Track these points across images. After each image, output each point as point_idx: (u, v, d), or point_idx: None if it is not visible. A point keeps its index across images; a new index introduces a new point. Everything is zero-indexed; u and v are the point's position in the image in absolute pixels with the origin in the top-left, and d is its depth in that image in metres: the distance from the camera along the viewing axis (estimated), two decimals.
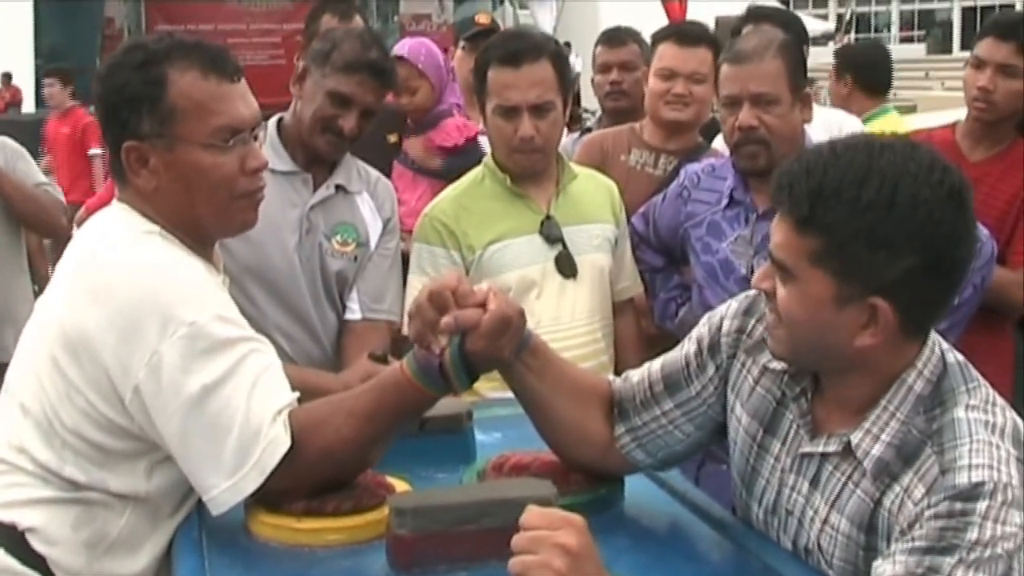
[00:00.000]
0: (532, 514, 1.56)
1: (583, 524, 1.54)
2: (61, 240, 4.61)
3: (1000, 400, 1.75)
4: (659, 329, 3.47)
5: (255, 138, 2.16)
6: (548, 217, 3.14)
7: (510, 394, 2.10)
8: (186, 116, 2.07)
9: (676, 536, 2.06)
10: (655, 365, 2.08)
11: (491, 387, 2.74)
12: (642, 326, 3.48)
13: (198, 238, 2.14)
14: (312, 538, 1.94)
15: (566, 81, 3.12)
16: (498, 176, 3.15)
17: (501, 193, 3.15)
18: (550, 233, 3.13)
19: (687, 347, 2.05)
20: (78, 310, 2.00)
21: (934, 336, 1.78)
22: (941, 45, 43.53)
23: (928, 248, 1.66)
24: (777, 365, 1.89)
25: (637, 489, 2.14)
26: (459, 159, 4.03)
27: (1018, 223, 3.44)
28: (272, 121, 3.05)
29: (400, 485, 2.10)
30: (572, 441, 2.08)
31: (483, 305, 1.91)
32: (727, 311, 2.01)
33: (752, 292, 1.97)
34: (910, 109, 11.81)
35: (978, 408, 1.70)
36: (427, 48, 4.32)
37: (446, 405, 2.29)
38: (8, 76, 20.46)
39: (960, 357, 1.79)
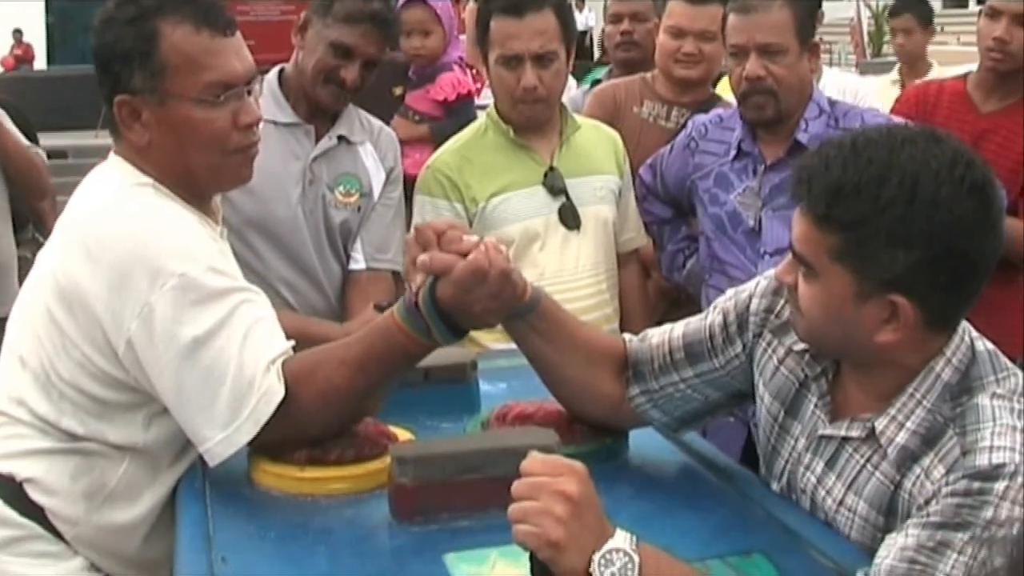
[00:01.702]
0: (533, 461, 1.55)
1: (585, 472, 1.53)
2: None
3: None
4: (668, 281, 3.46)
5: (249, 92, 2.14)
6: (551, 169, 3.13)
7: (513, 345, 2.09)
8: (178, 71, 2.05)
9: (680, 486, 2.06)
10: (676, 331, 2.05)
11: (494, 338, 2.74)
12: (653, 278, 3.47)
13: (192, 192, 2.13)
14: (315, 487, 1.94)
15: (569, 31, 3.10)
16: (501, 127, 3.13)
17: (504, 145, 3.13)
18: (553, 185, 3.12)
19: (711, 318, 2.02)
20: (71, 263, 2.00)
21: (964, 324, 1.75)
22: (956, 0, 43.12)
23: (949, 245, 1.63)
24: (801, 346, 1.87)
25: (641, 439, 2.13)
26: (448, 122, 4.04)
27: None
28: (273, 72, 3.03)
29: (403, 435, 2.10)
30: (581, 399, 2.07)
31: (466, 254, 1.88)
32: (755, 288, 1.99)
33: None
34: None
35: (1005, 397, 1.68)
36: None
37: (450, 355, 2.30)
38: (19, 33, 20.43)
39: (990, 346, 1.76)
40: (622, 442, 2.12)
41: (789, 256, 1.78)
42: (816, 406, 1.84)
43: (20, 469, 2.04)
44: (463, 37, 4.71)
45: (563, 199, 3.12)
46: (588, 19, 21.27)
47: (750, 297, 1.99)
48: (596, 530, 1.49)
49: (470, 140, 3.19)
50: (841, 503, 1.78)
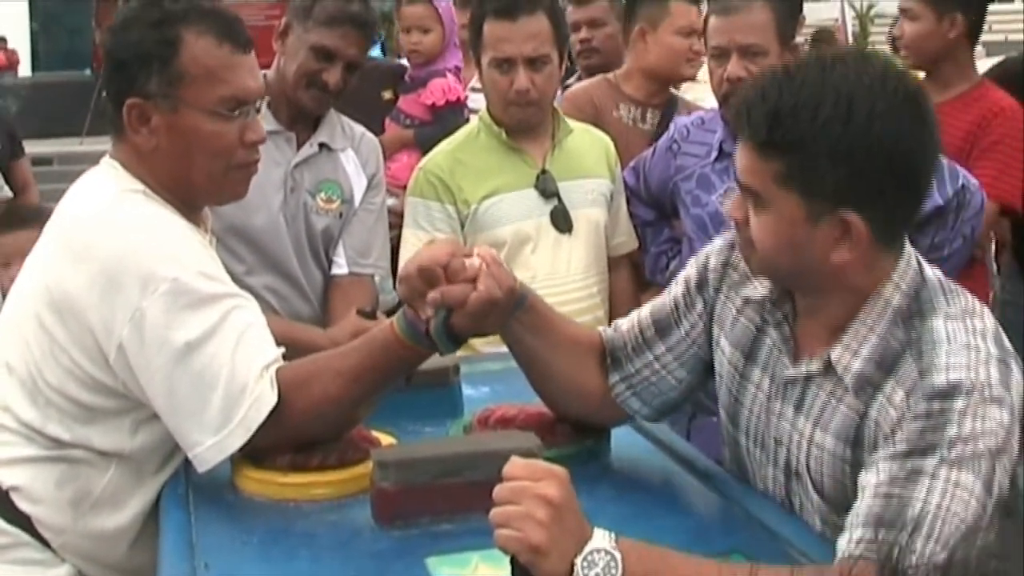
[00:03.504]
0: (515, 465, 1.56)
1: (566, 476, 1.54)
2: None
3: (980, 306, 1.75)
4: (651, 283, 3.47)
5: (258, 111, 2.16)
6: (543, 171, 3.14)
7: (504, 348, 2.10)
8: (195, 81, 2.06)
9: (660, 487, 2.07)
10: (644, 312, 2.09)
11: (484, 341, 2.74)
12: (641, 282, 3.48)
13: (186, 201, 2.13)
14: (297, 492, 1.95)
15: (562, 34, 3.11)
16: (493, 130, 3.14)
17: (496, 147, 3.14)
18: (545, 187, 3.12)
19: (674, 289, 2.06)
20: (61, 269, 2.00)
21: (910, 250, 1.79)
22: None
23: (891, 157, 1.67)
24: (758, 294, 1.89)
25: (623, 441, 2.15)
26: (433, 127, 4.06)
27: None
28: None
29: (386, 439, 2.11)
30: (567, 395, 2.08)
31: (474, 280, 1.90)
32: (713, 248, 2.03)
33: None
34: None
35: (956, 316, 1.71)
36: (447, 1, 4.36)
37: (434, 359, 2.29)
38: (3, 40, 20.37)
39: (939, 273, 1.80)
40: (603, 444, 2.13)
41: (737, 192, 1.80)
42: (779, 351, 1.86)
43: (5, 477, 2.04)
44: None
45: (555, 202, 3.13)
46: None
47: (707, 256, 2.02)
48: (576, 533, 1.50)
49: (463, 142, 3.20)
50: (811, 441, 1.79)
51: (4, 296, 3.47)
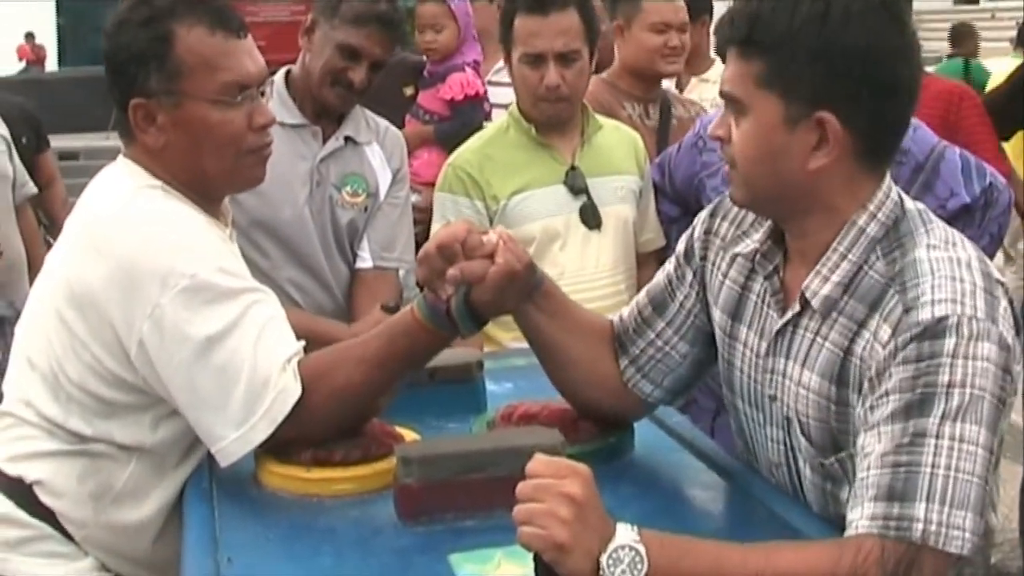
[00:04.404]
0: (537, 463, 1.56)
1: (588, 473, 1.54)
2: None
3: (960, 236, 1.75)
4: None
5: (262, 94, 2.15)
6: (573, 168, 3.13)
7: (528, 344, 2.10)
8: (193, 72, 2.06)
9: (684, 485, 2.06)
10: (641, 293, 2.11)
11: (512, 336, 2.75)
12: None
13: (204, 194, 2.13)
14: (321, 488, 1.95)
15: (593, 30, 3.10)
16: (523, 126, 3.13)
17: (526, 143, 3.13)
18: (574, 184, 3.12)
19: (667, 267, 2.08)
20: (81, 265, 2.01)
21: (890, 182, 1.79)
22: None
23: (866, 59, 1.69)
24: (748, 248, 1.89)
25: (646, 438, 2.14)
26: (453, 122, 4.05)
27: None
28: (280, 74, 3.04)
29: (409, 435, 2.11)
30: (584, 383, 2.08)
31: (492, 256, 1.90)
32: (698, 219, 2.04)
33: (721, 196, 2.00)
34: (936, 60, 11.68)
35: (938, 247, 1.70)
36: None
37: (457, 355, 2.30)
38: (31, 35, 20.49)
39: (920, 205, 1.80)
40: (627, 440, 2.12)
41: (721, 111, 1.82)
42: (768, 305, 1.86)
43: (28, 471, 2.05)
44: None
45: (584, 198, 3.13)
46: None
47: (693, 228, 2.04)
48: (600, 530, 1.50)
49: (492, 138, 3.20)
50: (799, 383, 1.79)
51: None
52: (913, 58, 1.76)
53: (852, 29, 1.69)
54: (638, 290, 3.19)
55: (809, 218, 1.78)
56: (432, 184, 3.35)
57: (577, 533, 1.48)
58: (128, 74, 2.07)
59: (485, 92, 4.32)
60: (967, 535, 1.54)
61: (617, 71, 3.77)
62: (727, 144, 1.80)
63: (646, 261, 3.31)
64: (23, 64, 19.90)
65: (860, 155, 1.73)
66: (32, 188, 4.69)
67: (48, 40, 21.07)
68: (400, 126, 3.36)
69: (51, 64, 21.22)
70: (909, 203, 1.79)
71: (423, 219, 3.33)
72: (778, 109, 1.72)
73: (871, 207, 1.75)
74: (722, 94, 1.79)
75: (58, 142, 6.16)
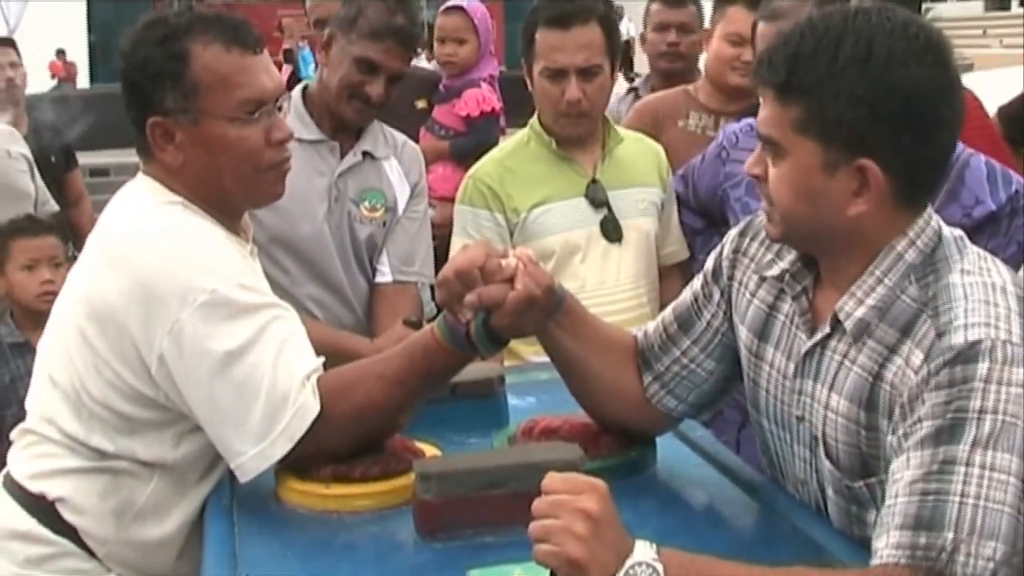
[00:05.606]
0: (554, 479, 1.55)
1: (605, 489, 1.53)
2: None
3: (995, 261, 1.73)
4: None
5: (279, 109, 2.15)
6: (594, 181, 3.11)
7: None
8: (210, 90, 2.06)
9: (706, 500, 2.05)
10: (667, 310, 2.09)
11: (534, 351, 2.73)
12: None
13: (224, 210, 2.14)
14: (340, 504, 1.94)
15: (615, 45, 3.08)
16: (544, 139, 3.12)
17: (546, 156, 3.12)
18: (595, 197, 3.10)
19: (694, 284, 2.06)
20: (102, 281, 2.01)
21: (932, 213, 1.76)
22: (999, 2, 42.80)
23: (908, 102, 1.65)
24: (777, 269, 1.87)
25: (668, 452, 2.12)
26: (468, 139, 4.04)
27: None
28: (297, 90, 3.05)
29: (430, 450, 2.10)
30: (607, 398, 2.07)
31: (511, 280, 1.90)
32: (727, 238, 2.02)
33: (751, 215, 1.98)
34: (967, 67, 11.63)
35: (972, 272, 1.68)
36: (483, 11, 4.35)
37: (478, 370, 2.29)
38: (62, 52, 20.65)
39: (957, 232, 1.77)
40: (648, 455, 2.10)
41: (757, 149, 1.79)
42: (796, 326, 1.83)
43: (51, 488, 2.06)
44: None
45: (605, 211, 3.11)
46: (629, 29, 21.20)
47: (721, 247, 2.01)
48: (617, 547, 1.49)
49: (513, 150, 3.19)
50: (827, 406, 1.76)
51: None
52: (956, 98, 1.71)
53: (894, 73, 1.64)
54: (661, 303, 3.22)
55: (848, 252, 1.76)
56: (447, 199, 3.36)
57: (593, 549, 1.47)
58: (145, 93, 2.08)
59: (501, 108, 4.31)
60: (996, 566, 1.50)
61: (702, 81, 3.77)
62: (764, 183, 1.77)
63: (669, 273, 3.29)
64: (55, 81, 20.07)
65: (901, 195, 1.70)
66: (54, 206, 4.72)
67: (80, 57, 21.22)
68: (414, 140, 3.36)
69: (83, 81, 21.38)
70: (946, 230, 1.76)
71: (439, 234, 3.33)
72: (816, 154, 1.68)
73: (911, 234, 1.72)
74: (759, 136, 1.76)
75: (89, 158, 6.20)
